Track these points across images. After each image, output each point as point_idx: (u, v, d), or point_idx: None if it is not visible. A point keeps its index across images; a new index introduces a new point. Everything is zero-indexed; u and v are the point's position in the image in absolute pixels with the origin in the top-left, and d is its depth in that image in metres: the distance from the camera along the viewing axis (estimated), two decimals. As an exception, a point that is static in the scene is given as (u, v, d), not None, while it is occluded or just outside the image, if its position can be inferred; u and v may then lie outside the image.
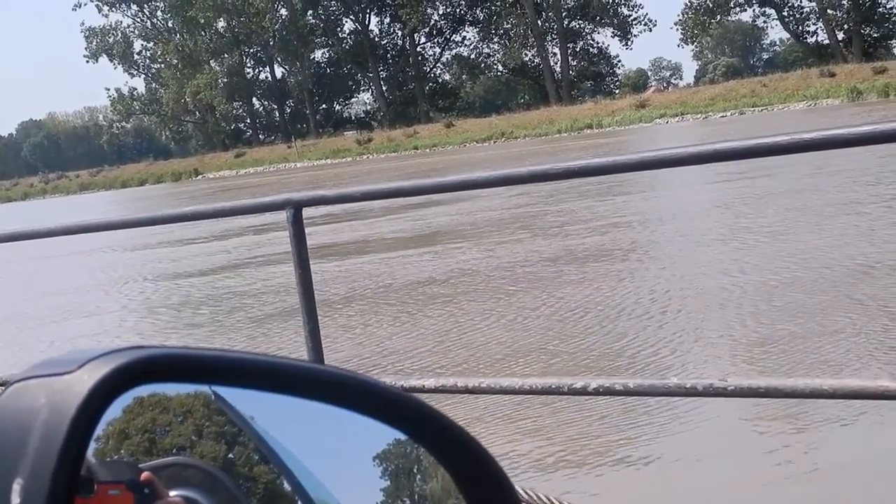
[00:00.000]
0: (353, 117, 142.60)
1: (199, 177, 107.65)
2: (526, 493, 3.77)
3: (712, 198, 26.46)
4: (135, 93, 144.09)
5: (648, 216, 24.75)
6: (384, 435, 1.11)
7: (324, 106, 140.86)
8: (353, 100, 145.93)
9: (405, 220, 30.76)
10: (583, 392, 3.96)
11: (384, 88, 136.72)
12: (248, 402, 1.05)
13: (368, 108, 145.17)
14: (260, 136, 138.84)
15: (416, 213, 32.00)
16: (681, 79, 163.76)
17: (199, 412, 1.04)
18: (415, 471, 1.14)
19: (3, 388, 0.97)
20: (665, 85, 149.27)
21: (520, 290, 16.51)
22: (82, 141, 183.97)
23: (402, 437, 1.11)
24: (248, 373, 1.03)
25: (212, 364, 1.02)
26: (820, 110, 68.89)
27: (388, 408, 1.09)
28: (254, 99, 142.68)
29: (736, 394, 3.94)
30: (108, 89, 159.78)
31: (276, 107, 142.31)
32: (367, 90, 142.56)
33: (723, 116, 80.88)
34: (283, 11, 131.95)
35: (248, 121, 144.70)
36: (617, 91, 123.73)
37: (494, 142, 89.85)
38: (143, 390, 0.97)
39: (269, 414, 1.07)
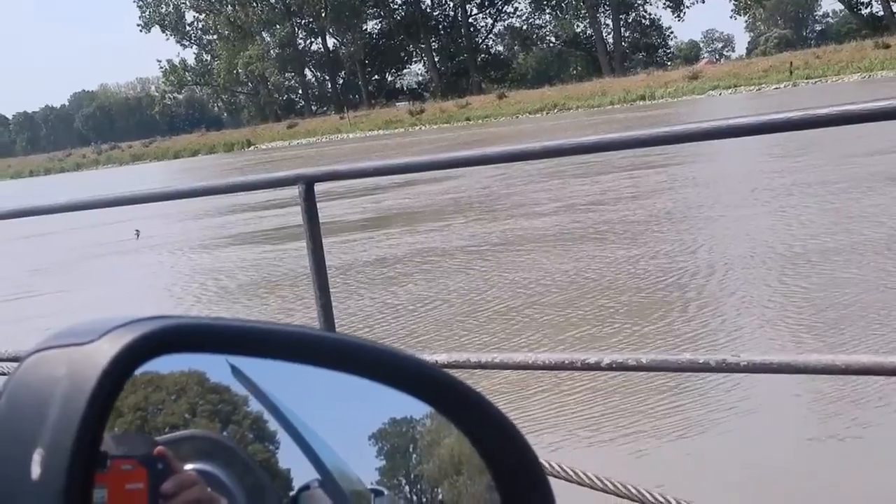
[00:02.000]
0: (406, 88, 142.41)
1: (252, 147, 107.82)
2: (549, 465, 3.80)
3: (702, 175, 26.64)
4: (186, 64, 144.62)
5: (620, 195, 24.90)
6: (406, 408, 1.10)
7: (376, 77, 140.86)
8: (405, 71, 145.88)
9: (389, 199, 31.09)
10: (596, 367, 3.97)
11: (436, 59, 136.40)
12: (264, 372, 1.03)
13: (420, 79, 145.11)
14: (312, 107, 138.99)
15: (402, 191, 32.24)
16: (733, 51, 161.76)
17: (193, 390, 1.02)
18: (411, 450, 1.13)
19: (18, 362, 0.94)
20: (717, 57, 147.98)
21: (459, 271, 16.94)
22: (134, 112, 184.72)
23: (429, 410, 1.10)
24: (275, 344, 1.02)
25: (236, 334, 1.00)
26: (875, 82, 68.08)
27: (419, 382, 1.08)
28: (306, 70, 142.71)
29: (748, 369, 3.93)
30: (160, 60, 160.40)
31: (328, 78, 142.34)
32: (419, 61, 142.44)
33: (776, 88, 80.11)
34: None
35: (300, 92, 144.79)
36: (669, 63, 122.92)
37: (547, 113, 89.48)
38: (165, 360, 0.95)
39: (287, 385, 1.05)
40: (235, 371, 1.03)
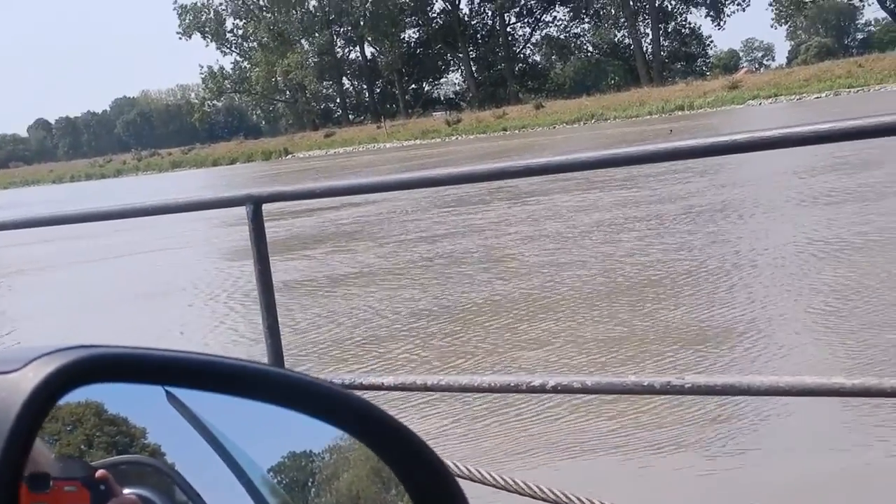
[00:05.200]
0: (443, 98, 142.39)
1: (289, 156, 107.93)
2: (468, 469, 3.82)
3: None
4: (225, 71, 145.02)
5: (529, 218, 25.24)
6: (322, 435, 1.11)
7: (413, 86, 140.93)
8: (442, 80, 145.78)
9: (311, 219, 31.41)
10: (541, 390, 3.97)
11: (473, 69, 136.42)
12: (196, 402, 1.06)
13: (458, 88, 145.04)
14: (349, 116, 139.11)
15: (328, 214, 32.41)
16: (773, 60, 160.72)
17: (90, 421, 1.02)
18: (310, 484, 1.15)
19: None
20: (757, 66, 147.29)
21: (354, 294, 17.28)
22: (174, 119, 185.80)
23: (340, 436, 1.12)
24: (195, 374, 1.03)
25: (159, 364, 1.01)
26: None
27: (329, 407, 1.10)
28: (344, 78, 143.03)
29: (693, 391, 3.94)
30: (202, 66, 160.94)
31: (365, 87, 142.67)
32: (457, 70, 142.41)
33: (817, 98, 79.70)
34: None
35: (338, 100, 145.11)
36: (708, 72, 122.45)
37: (584, 123, 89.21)
38: (90, 390, 0.97)
39: (218, 413, 1.07)
40: (170, 397, 1.04)
